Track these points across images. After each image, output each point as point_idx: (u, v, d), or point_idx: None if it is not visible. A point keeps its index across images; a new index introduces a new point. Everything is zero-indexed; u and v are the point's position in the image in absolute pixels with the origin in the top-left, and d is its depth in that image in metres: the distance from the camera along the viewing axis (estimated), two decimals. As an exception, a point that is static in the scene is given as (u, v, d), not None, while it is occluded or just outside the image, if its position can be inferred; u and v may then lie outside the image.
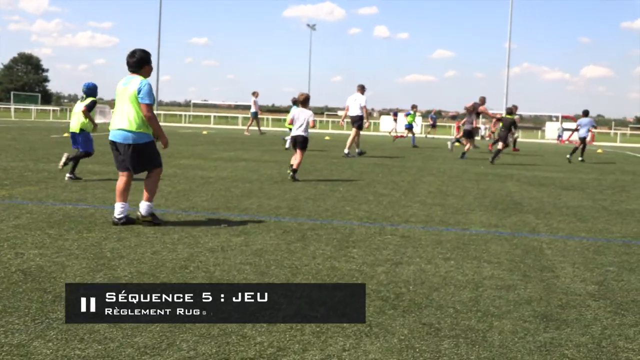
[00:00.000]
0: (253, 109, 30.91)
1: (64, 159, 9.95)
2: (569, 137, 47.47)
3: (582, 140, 20.19)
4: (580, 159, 20.07)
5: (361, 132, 18.51)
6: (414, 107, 27.30)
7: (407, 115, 26.96)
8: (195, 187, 9.39)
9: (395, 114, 43.63)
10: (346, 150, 18.01)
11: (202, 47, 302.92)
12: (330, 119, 77.18)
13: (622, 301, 4.41)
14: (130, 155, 6.34)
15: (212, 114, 56.70)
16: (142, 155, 6.39)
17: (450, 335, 3.62)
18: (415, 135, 27.00)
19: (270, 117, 61.62)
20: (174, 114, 62.96)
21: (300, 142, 11.21)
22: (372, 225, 6.91)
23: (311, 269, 4.92)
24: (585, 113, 20.84)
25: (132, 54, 6.46)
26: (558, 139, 46.48)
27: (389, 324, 3.75)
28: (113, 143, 6.45)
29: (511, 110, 18.62)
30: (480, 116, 20.74)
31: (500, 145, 17.69)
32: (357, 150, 18.32)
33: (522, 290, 4.56)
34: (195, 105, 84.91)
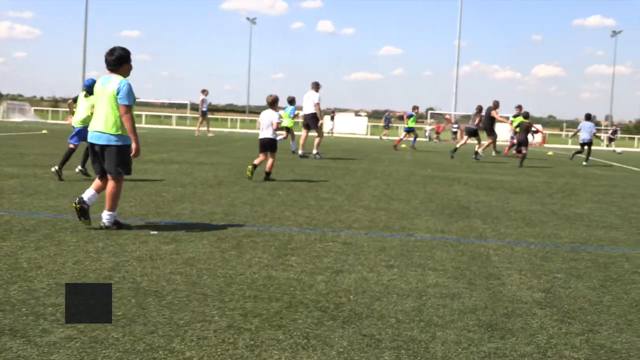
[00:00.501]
0: (203, 108, 30.84)
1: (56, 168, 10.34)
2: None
3: (587, 144, 21.02)
4: (584, 163, 20.80)
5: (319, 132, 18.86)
6: (415, 108, 26.99)
7: (409, 117, 26.89)
8: (122, 192, 9.23)
9: (334, 113, 43.88)
10: (314, 151, 18.38)
11: (133, 41, 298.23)
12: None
13: (568, 309, 4.53)
14: (107, 156, 6.47)
15: (144, 113, 55.87)
16: (118, 158, 6.48)
17: (392, 346, 3.66)
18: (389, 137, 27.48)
19: (209, 116, 61.03)
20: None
21: (270, 145, 11.69)
22: (313, 232, 6.93)
23: (246, 279, 4.90)
24: (588, 117, 21.76)
25: (111, 51, 6.52)
26: (510, 141, 47.47)
27: (328, 336, 3.76)
28: (92, 145, 6.59)
29: (527, 114, 20.75)
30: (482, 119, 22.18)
31: (524, 149, 19.15)
32: (314, 151, 18.49)
33: (467, 299, 4.64)
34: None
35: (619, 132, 37.63)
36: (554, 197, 11.20)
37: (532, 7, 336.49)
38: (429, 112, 61.06)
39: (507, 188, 12.37)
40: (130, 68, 6.63)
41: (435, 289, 4.86)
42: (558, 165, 21.09)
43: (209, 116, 32.61)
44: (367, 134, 52.14)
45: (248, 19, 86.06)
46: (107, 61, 6.51)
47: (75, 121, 10.49)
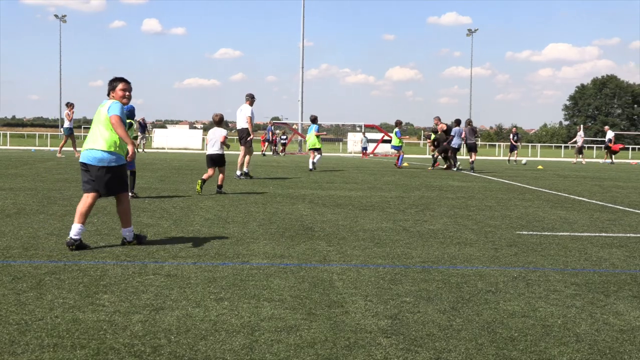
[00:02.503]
0: (67, 124, 29.62)
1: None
2: (374, 150, 50.37)
3: (458, 149, 23.09)
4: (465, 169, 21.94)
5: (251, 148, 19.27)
6: (398, 123, 29.53)
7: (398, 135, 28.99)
8: None
9: (143, 126, 43.47)
10: (238, 172, 18.77)
11: None
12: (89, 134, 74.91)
13: (416, 336, 4.71)
14: (104, 177, 7.65)
15: None
16: (115, 178, 7.72)
17: (217, 392, 3.63)
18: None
19: (10, 132, 58.52)
20: None
21: (218, 160, 14.61)
22: (131, 264, 6.78)
23: (46, 324, 4.70)
24: (458, 122, 24.27)
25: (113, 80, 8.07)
26: (363, 152, 49.09)
27: (142, 386, 3.68)
28: (84, 164, 7.73)
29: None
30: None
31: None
32: (244, 169, 18.91)
33: (305, 332, 4.70)
34: None
35: (519, 137, 39.64)
36: (406, 213, 11.65)
37: (383, 4, 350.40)
38: (273, 122, 61.71)
39: (356, 205, 12.72)
40: (116, 93, 7.95)
41: (270, 323, 4.89)
42: (413, 177, 21.96)
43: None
44: (203, 149, 51.86)
45: (56, 16, 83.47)
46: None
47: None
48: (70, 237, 7.47)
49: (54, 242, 7.87)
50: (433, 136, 29.35)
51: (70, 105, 29.56)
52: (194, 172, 21.16)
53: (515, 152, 39.79)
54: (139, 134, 41.33)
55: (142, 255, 7.23)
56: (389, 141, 55.01)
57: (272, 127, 48.53)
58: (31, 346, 4.24)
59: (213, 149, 14.60)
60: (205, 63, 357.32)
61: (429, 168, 28.54)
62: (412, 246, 8.32)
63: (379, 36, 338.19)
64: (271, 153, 46.33)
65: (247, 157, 18.98)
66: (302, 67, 58.97)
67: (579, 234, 9.79)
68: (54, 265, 6.61)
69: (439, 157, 28.90)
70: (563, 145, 74.85)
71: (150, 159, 30.30)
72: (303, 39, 58.78)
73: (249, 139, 18.78)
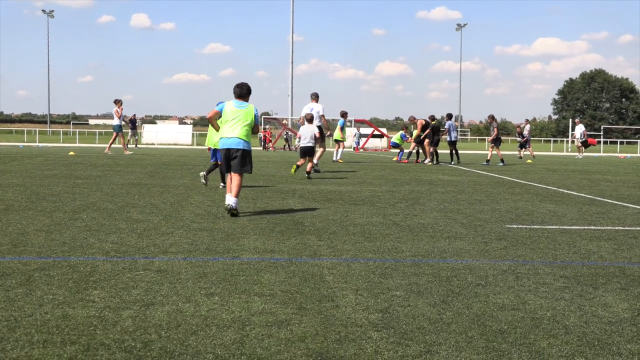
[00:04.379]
0: (116, 121, 29.55)
1: (203, 180, 14.47)
2: (364, 144, 50.41)
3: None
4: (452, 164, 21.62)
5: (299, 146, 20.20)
6: (413, 118, 29.95)
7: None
8: None
9: (134, 122, 43.37)
10: (315, 161, 19.36)
11: None
12: (78, 129, 74.69)
13: (406, 329, 4.72)
14: (241, 158, 10.25)
15: None
16: (245, 158, 10.33)
17: (208, 387, 3.63)
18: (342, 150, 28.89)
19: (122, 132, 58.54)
20: None
21: (309, 152, 17.98)
22: (121, 260, 6.76)
23: (35, 320, 4.68)
24: (450, 116, 24.94)
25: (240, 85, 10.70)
26: (357, 146, 49.21)
27: (132, 381, 3.67)
28: (228, 150, 10.28)
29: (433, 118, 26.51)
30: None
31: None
32: (315, 162, 19.68)
33: (295, 326, 4.71)
34: None
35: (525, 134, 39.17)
36: (396, 207, 11.66)
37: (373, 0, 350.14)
38: (263, 117, 61.60)
39: (346, 199, 12.73)
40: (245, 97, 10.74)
41: (260, 317, 4.89)
42: (403, 171, 21.99)
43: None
44: (193, 145, 51.79)
45: (44, 11, 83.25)
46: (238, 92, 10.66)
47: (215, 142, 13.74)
48: (229, 206, 9.99)
49: (43, 238, 7.85)
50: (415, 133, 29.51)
51: (118, 102, 29.57)
52: (184, 168, 21.13)
53: (527, 147, 38.60)
54: (129, 130, 41.39)
55: (132, 251, 7.22)
56: (380, 136, 55.17)
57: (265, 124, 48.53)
58: (20, 342, 4.23)
59: (305, 142, 17.99)
60: (195, 58, 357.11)
61: (420, 161, 28.71)
62: (402, 240, 8.33)
63: (369, 31, 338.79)
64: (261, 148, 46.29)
65: (320, 151, 20.18)
66: (292, 62, 59.05)
67: (568, 227, 9.83)
68: (43, 262, 6.59)
69: (420, 150, 29.34)
70: (552, 139, 75.11)
71: (140, 155, 30.24)
72: (292, 34, 58.83)
73: (327, 134, 20.31)
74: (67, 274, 6.11)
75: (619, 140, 76.90)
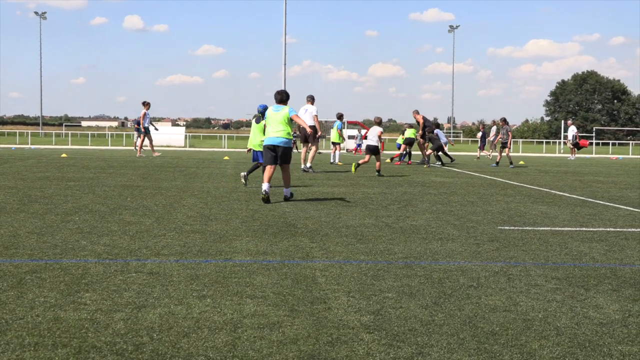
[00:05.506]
0: (145, 124, 29.50)
1: (243, 180, 15.16)
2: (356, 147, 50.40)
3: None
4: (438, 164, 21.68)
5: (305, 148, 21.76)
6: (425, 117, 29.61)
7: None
8: None
9: (138, 123, 43.12)
10: (308, 164, 21.10)
11: None
12: (70, 131, 74.56)
13: (398, 331, 4.72)
14: (284, 153, 12.60)
15: None
16: (287, 153, 12.66)
17: (199, 389, 3.63)
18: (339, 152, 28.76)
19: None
20: None
21: (375, 150, 20.53)
22: (113, 262, 6.75)
23: (27, 323, 4.67)
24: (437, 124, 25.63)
25: (280, 92, 12.99)
26: (357, 149, 49.23)
27: (124, 384, 3.67)
28: (273, 146, 12.54)
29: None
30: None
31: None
32: (308, 164, 21.16)
33: (288, 328, 4.71)
34: None
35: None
36: (389, 209, 11.67)
37: (365, 0, 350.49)
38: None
39: (339, 201, 12.74)
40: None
41: (252, 319, 4.89)
42: (396, 173, 22.00)
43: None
44: (186, 146, 51.74)
45: (36, 13, 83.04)
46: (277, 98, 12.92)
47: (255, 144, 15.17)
48: (265, 191, 12.09)
49: (35, 240, 7.83)
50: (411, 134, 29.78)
51: (146, 105, 29.52)
52: (177, 170, 21.11)
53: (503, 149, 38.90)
54: (135, 132, 41.28)
55: (124, 253, 7.21)
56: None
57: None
58: (12, 345, 4.22)
59: (371, 141, 20.50)
60: (188, 60, 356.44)
61: (425, 166, 28.74)
62: (394, 242, 8.34)
63: (362, 32, 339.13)
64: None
65: (313, 152, 21.33)
66: (285, 64, 58.97)
67: (560, 228, 9.85)
68: (34, 264, 6.57)
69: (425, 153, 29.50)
70: (544, 140, 75.22)
71: (133, 156, 30.18)
72: (285, 36, 58.80)
73: (317, 135, 20.75)
74: (59, 276, 6.09)
75: (611, 142, 77.04)
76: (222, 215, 10.32)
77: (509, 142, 28.20)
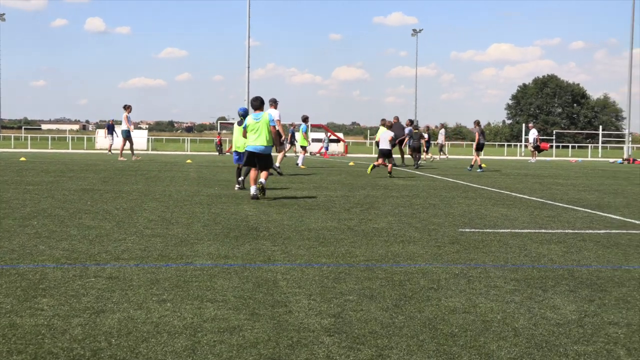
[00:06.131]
0: (124, 127, 29.07)
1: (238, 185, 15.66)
2: (320, 149, 50.49)
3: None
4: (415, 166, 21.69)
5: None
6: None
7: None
8: None
9: (111, 127, 42.74)
10: (277, 164, 21.10)
11: None
12: (30, 135, 73.64)
13: (358, 334, 4.73)
14: (265, 159, 13.56)
15: None
16: (267, 159, 13.61)
17: (157, 395, 3.60)
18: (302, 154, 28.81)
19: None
20: None
21: (387, 154, 22.25)
22: (72, 267, 6.68)
23: (-18, 330, 4.60)
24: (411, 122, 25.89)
25: (256, 99, 13.93)
26: (325, 151, 49.34)
27: (81, 390, 3.63)
28: (252, 153, 13.50)
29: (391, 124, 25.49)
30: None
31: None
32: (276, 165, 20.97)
33: (248, 332, 4.69)
34: None
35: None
36: (351, 212, 11.70)
37: (329, 4, 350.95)
38: (219, 122, 61.43)
39: (301, 204, 12.74)
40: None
41: (212, 324, 4.87)
42: (359, 176, 22.07)
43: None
44: (148, 150, 51.37)
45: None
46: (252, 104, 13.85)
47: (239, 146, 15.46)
48: (253, 194, 13.25)
49: (-7, 245, 7.71)
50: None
51: (128, 108, 29.21)
52: (138, 174, 20.94)
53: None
54: (108, 136, 40.97)
55: (83, 258, 7.13)
56: (337, 141, 55.38)
57: (294, 130, 48.40)
58: (-33, 352, 4.15)
59: (383, 145, 22.17)
60: (151, 63, 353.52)
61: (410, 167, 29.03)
62: (356, 245, 8.36)
63: (326, 36, 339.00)
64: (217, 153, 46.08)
65: (280, 155, 21.98)
66: (248, 67, 58.73)
67: (520, 230, 9.96)
68: (-8, 269, 6.48)
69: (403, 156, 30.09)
70: (506, 143, 76.01)
71: (93, 160, 29.91)
72: (249, 39, 58.59)
73: (282, 139, 20.36)
74: (16, 282, 6.01)
75: (570, 145, 78.09)
76: (184, 219, 10.27)
77: (475, 144, 28.34)
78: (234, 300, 5.56)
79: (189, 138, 63.54)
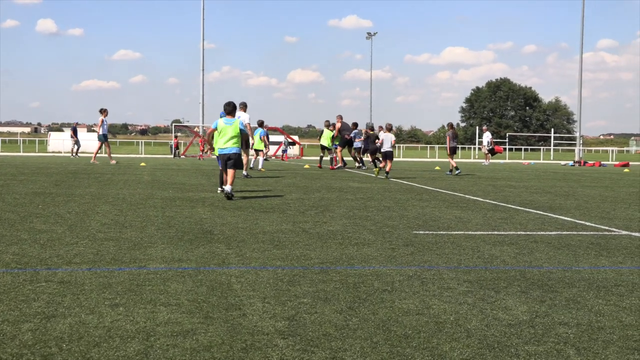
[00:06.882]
0: (101, 131, 28.64)
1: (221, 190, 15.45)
2: (275, 152, 50.49)
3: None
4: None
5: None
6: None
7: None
8: None
9: (75, 130, 42.26)
10: (244, 172, 21.30)
11: None
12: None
13: (312, 336, 4.74)
14: (237, 159, 14.37)
15: None
16: (237, 159, 14.41)
17: (109, 400, 3.56)
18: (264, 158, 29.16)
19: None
20: None
21: (390, 155, 23.72)
22: (22, 272, 6.58)
23: None
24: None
25: (229, 104, 14.77)
26: (284, 153, 49.34)
27: (30, 396, 3.58)
28: (225, 155, 14.34)
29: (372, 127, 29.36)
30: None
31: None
32: (243, 172, 21.17)
33: (201, 335, 4.67)
34: None
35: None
36: (306, 215, 11.71)
37: (284, 5, 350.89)
38: (174, 124, 60.93)
39: (256, 207, 12.71)
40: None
41: (166, 327, 4.84)
42: (314, 179, 22.09)
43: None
44: (101, 152, 50.74)
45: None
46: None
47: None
48: (228, 192, 13.97)
49: (-60, 250, 7.56)
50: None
51: (104, 112, 28.77)
52: (91, 177, 20.70)
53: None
54: (72, 138, 40.52)
55: (33, 262, 7.03)
56: (292, 144, 55.44)
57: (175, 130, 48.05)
58: None
59: (386, 148, 23.67)
60: (104, 65, 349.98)
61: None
62: (311, 247, 8.37)
63: (281, 38, 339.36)
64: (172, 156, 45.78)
65: (246, 159, 21.19)
66: (203, 69, 58.52)
67: (473, 232, 10.07)
68: (-61, 275, 6.35)
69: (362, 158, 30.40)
70: (460, 146, 76.67)
71: (45, 163, 29.49)
72: (203, 41, 58.38)
73: (252, 143, 21.32)
74: (-35, 287, 5.90)
75: (523, 147, 79.17)
76: (137, 223, 10.18)
77: (447, 148, 28.43)
78: (187, 303, 5.53)
79: (143, 141, 62.97)
